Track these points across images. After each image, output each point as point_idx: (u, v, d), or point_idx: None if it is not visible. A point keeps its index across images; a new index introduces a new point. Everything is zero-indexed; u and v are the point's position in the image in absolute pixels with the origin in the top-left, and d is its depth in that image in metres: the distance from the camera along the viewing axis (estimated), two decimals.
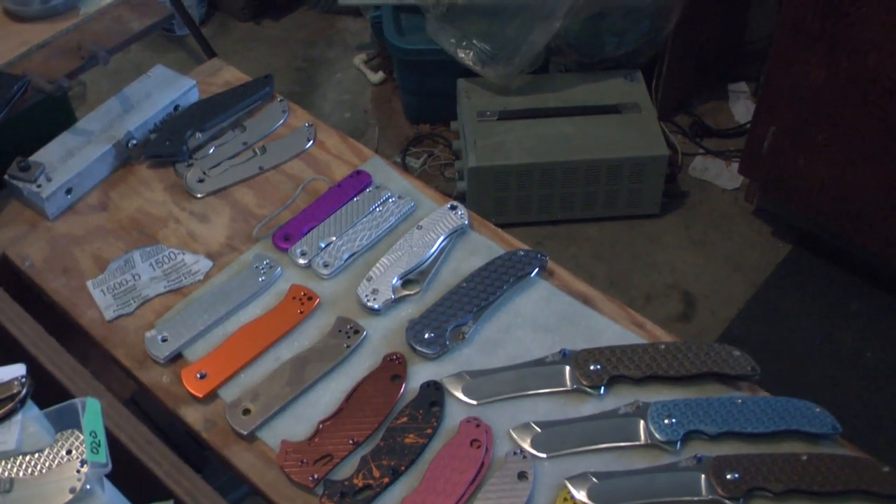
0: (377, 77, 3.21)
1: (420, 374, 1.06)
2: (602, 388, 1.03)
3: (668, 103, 2.83)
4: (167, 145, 1.30)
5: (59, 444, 0.92)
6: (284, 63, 3.32)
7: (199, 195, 1.27)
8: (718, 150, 2.88)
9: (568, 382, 1.04)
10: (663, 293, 2.55)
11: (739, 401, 1.00)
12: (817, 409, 1.00)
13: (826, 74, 2.22)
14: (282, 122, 1.36)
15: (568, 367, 1.04)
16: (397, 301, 1.12)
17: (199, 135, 1.32)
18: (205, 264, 1.19)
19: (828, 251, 2.56)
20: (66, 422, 0.93)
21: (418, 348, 1.07)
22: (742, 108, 2.97)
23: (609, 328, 1.10)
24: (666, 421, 0.99)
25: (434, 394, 1.03)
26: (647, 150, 2.55)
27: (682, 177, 2.81)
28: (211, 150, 1.32)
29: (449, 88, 2.76)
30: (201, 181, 1.28)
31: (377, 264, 1.14)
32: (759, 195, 2.66)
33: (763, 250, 2.63)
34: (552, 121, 2.62)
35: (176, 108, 1.36)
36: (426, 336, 1.07)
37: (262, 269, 1.16)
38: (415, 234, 1.17)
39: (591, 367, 1.03)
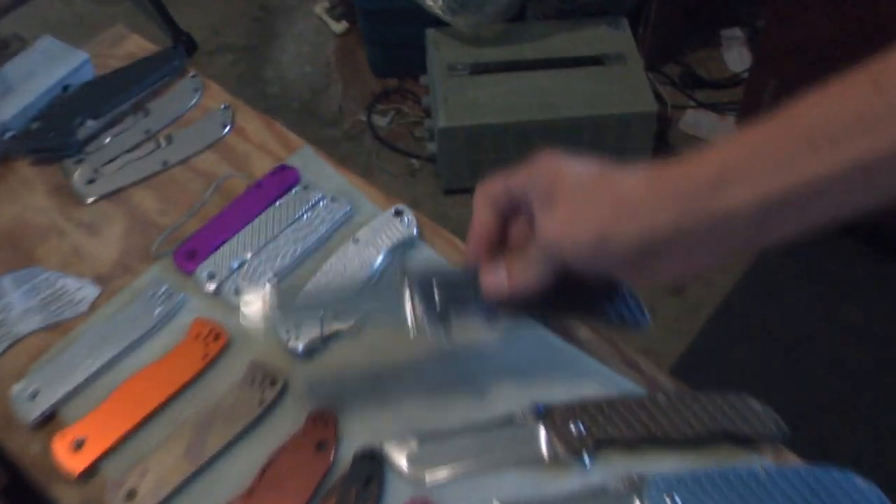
0: (340, 27, 2.98)
1: (354, 436, 0.84)
2: (587, 455, 0.80)
3: (655, 52, 2.59)
4: (51, 137, 1.06)
5: None
6: (238, 12, 3.06)
7: (88, 200, 1.03)
8: (711, 103, 2.66)
9: (543, 449, 0.81)
10: None
11: (763, 472, 0.78)
12: (860, 482, 0.78)
13: (832, 24, 1.99)
14: (193, 102, 1.12)
15: (543, 428, 0.82)
16: (327, 339, 0.89)
17: (90, 122, 1.08)
18: (90, 291, 0.95)
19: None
20: None
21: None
22: (735, 57, 2.73)
23: (595, 371, 0.87)
24: (668, 500, 0.76)
25: (370, 466, 0.81)
26: (634, 105, 2.33)
27: (672, 132, 2.58)
28: (106, 141, 1.08)
29: (417, 39, 2.54)
30: (91, 182, 1.04)
31: (302, 290, 0.91)
32: None
33: None
34: (529, 74, 2.40)
35: (65, 88, 1.11)
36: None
37: (160, 297, 0.92)
38: (350, 250, 0.94)
39: (573, 428, 0.81)
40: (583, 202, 0.68)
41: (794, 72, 2.12)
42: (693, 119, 2.62)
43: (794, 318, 2.24)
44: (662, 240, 0.65)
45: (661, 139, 2.47)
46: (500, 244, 0.79)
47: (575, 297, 0.79)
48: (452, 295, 0.79)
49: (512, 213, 0.79)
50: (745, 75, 2.60)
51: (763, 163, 0.61)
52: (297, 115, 2.74)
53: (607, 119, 2.32)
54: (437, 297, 0.78)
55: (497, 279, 0.76)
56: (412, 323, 0.78)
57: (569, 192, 0.70)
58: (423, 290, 0.79)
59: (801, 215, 0.63)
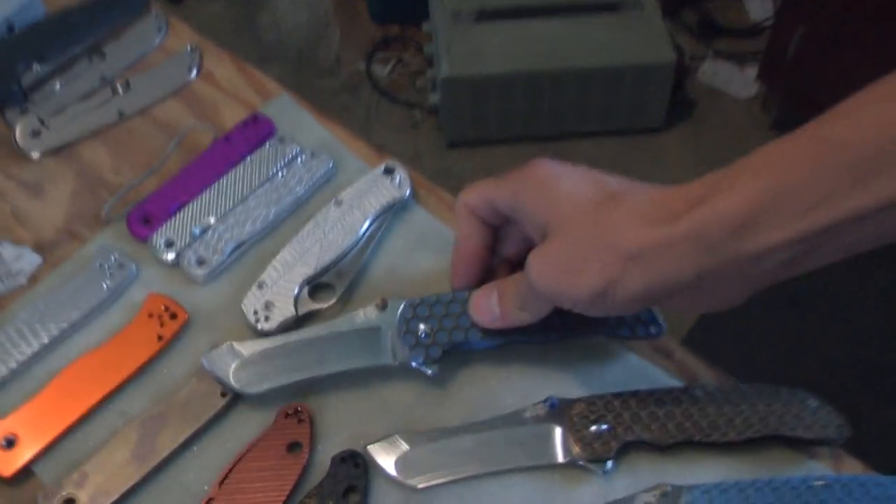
0: None
1: (333, 436, 0.71)
2: (610, 461, 0.67)
3: None
4: None
5: None
6: None
7: (33, 155, 0.89)
8: (731, 53, 2.51)
9: (559, 452, 0.68)
10: None
11: (819, 482, 0.65)
12: None
13: None
14: (156, 44, 0.98)
15: (558, 428, 0.69)
16: (303, 319, 0.76)
17: (37, 67, 0.94)
18: (29, 261, 0.82)
19: None
20: None
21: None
22: (757, 4, 2.58)
23: (620, 359, 0.74)
24: None
25: (352, 473, 0.68)
26: (650, 55, 2.19)
27: (690, 83, 2.44)
28: (56, 88, 0.94)
29: None
30: (37, 134, 0.90)
31: (274, 262, 0.78)
32: (779, 106, 2.29)
33: None
34: (539, 21, 2.26)
35: (10, 28, 0.97)
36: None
37: (109, 268, 0.79)
38: (331, 213, 0.80)
39: (593, 428, 0.68)
40: (583, 248, 0.59)
41: (824, 19, 1.97)
42: (712, 69, 2.47)
43: (817, 280, 2.10)
44: (676, 287, 0.57)
45: (678, 90, 2.32)
46: (489, 255, 0.72)
47: (578, 319, 0.67)
48: (439, 322, 0.71)
49: (500, 224, 0.71)
50: (768, 24, 2.45)
51: (798, 200, 0.53)
52: (293, 65, 2.59)
53: (622, 69, 2.17)
54: (421, 326, 0.71)
55: (489, 310, 0.69)
56: (394, 356, 0.71)
57: (565, 227, 0.61)
58: (406, 318, 0.71)
59: (842, 247, 0.55)
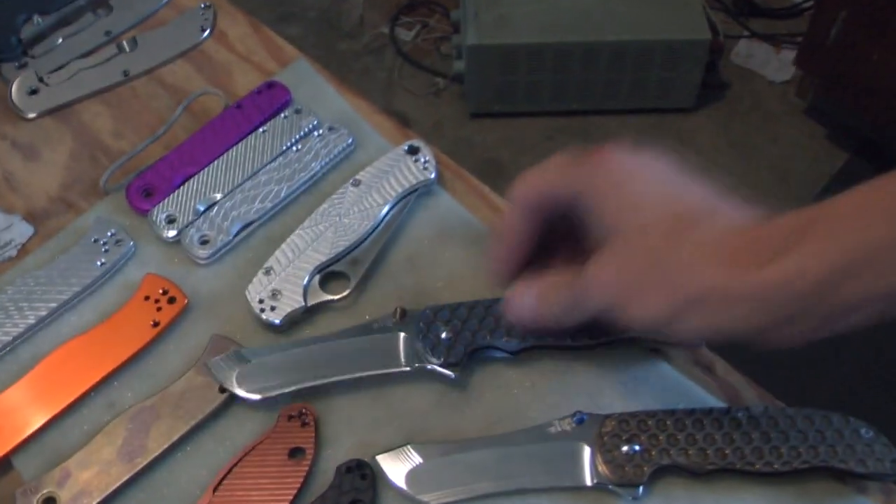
0: None
1: (340, 442, 0.65)
2: (641, 486, 0.61)
3: None
4: None
5: None
6: None
7: (29, 115, 0.83)
8: (767, 34, 2.42)
9: (586, 474, 0.62)
10: None
11: None
12: None
13: None
14: (166, 0, 0.91)
15: (586, 447, 0.62)
16: (311, 311, 0.70)
17: (38, 19, 0.87)
18: (21, 231, 0.76)
19: (893, 163, 2.13)
20: None
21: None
22: None
23: (655, 375, 0.67)
24: None
25: (358, 485, 0.62)
26: (684, 31, 2.11)
27: (723, 64, 2.36)
28: (57, 43, 0.88)
29: None
30: (35, 92, 0.84)
31: (283, 246, 0.72)
32: (815, 91, 2.21)
33: (815, 157, 2.22)
34: None
35: None
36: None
37: (105, 244, 0.73)
38: (349, 195, 0.74)
39: (625, 449, 0.62)
40: (651, 273, 0.54)
41: (868, 3, 1.88)
42: (746, 50, 2.39)
43: None
44: (742, 333, 0.52)
45: (710, 70, 2.24)
46: (533, 249, 0.64)
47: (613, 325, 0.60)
48: (461, 324, 0.66)
49: (555, 217, 0.62)
50: (808, 5, 2.36)
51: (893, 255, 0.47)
52: (314, 25, 2.52)
53: (654, 45, 2.10)
54: (442, 329, 0.66)
55: (528, 307, 0.62)
56: (412, 360, 0.66)
57: (634, 240, 0.55)
58: (427, 323, 0.66)
59: None
